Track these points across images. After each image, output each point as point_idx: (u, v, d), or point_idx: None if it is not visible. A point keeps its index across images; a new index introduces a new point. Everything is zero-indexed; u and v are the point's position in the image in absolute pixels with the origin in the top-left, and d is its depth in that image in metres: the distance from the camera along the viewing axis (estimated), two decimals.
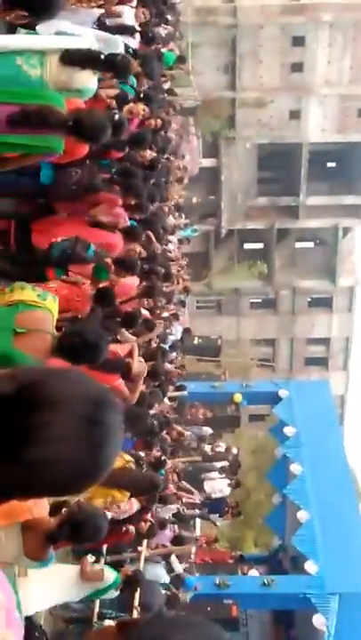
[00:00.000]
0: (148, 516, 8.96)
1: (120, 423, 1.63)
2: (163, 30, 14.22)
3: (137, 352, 7.91)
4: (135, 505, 7.50)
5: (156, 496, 8.67)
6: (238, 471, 17.15)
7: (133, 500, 7.40)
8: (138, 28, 8.84)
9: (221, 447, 17.01)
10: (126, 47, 7.37)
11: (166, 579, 10.68)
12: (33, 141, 4.76)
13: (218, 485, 15.72)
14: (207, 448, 16.61)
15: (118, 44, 6.74)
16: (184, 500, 13.82)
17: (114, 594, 7.17)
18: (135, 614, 8.42)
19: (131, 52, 7.64)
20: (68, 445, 1.52)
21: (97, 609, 8.32)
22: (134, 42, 8.36)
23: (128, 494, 7.11)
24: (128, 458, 7.21)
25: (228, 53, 34.41)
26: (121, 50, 6.78)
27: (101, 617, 8.62)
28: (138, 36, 8.66)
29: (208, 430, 17.16)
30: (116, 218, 7.24)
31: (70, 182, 6.19)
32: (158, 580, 10.15)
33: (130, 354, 7.82)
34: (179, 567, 11.64)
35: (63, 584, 6.22)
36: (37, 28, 4.99)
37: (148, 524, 8.91)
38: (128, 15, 8.62)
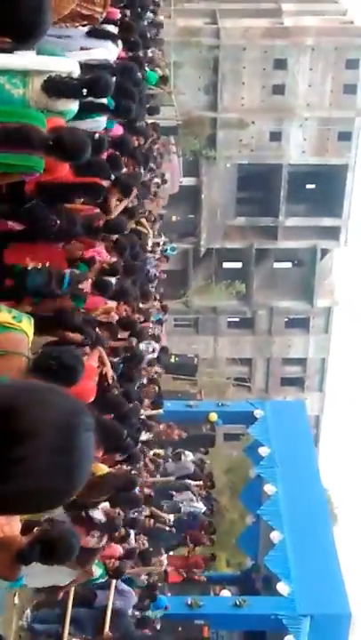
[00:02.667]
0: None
1: (91, 440, 1.65)
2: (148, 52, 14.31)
3: (105, 356, 7.89)
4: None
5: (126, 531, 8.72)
6: (211, 491, 17.09)
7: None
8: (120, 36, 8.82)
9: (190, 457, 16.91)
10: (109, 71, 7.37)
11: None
12: (13, 160, 4.76)
13: (187, 496, 15.68)
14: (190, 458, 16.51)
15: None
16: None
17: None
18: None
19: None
20: (44, 477, 1.55)
21: (67, 630, 8.27)
22: (116, 50, 8.31)
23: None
24: (105, 469, 7.19)
25: (210, 74, 34.72)
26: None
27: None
28: (120, 43, 8.64)
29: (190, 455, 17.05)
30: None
31: (49, 233, 6.21)
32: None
33: (100, 360, 7.82)
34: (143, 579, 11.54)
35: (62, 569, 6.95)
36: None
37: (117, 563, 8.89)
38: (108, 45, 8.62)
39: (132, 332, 9.88)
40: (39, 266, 6.23)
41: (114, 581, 9.23)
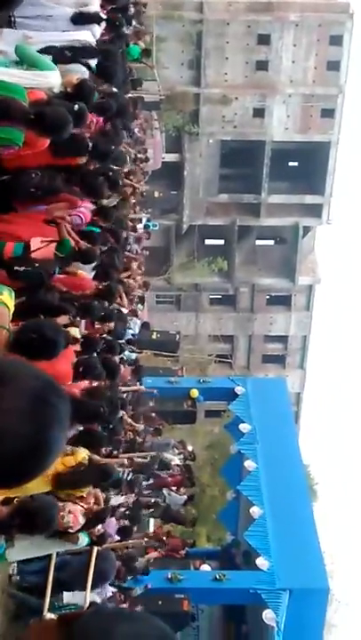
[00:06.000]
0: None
1: (67, 412, 1.66)
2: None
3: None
4: (80, 518, 7.48)
5: (108, 509, 8.71)
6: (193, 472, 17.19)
7: (79, 513, 7.37)
8: (104, 16, 8.74)
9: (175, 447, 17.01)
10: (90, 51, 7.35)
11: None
12: None
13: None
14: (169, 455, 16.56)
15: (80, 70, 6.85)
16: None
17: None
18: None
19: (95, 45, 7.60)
20: (17, 418, 1.56)
21: (47, 604, 8.29)
22: (99, 30, 8.25)
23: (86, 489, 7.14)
24: (84, 454, 7.18)
25: (193, 49, 34.43)
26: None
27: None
28: (103, 24, 8.56)
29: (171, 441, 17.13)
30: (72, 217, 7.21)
31: (30, 185, 6.10)
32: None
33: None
34: None
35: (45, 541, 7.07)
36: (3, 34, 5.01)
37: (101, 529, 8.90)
38: (95, 5, 8.54)
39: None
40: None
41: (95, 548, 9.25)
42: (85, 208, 7.84)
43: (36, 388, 1.61)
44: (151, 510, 15.27)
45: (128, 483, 12.34)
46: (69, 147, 6.11)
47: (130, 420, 14.48)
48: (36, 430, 1.59)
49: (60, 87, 5.69)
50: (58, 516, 5.33)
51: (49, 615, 6.45)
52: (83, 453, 7.06)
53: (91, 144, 6.80)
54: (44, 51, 6.18)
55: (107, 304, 9.46)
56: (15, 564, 9.07)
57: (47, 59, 5.75)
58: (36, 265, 6.17)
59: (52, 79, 5.36)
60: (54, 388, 1.65)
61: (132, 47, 15.36)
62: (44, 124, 4.86)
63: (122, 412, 12.06)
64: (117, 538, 11.26)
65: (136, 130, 18.95)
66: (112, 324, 10.20)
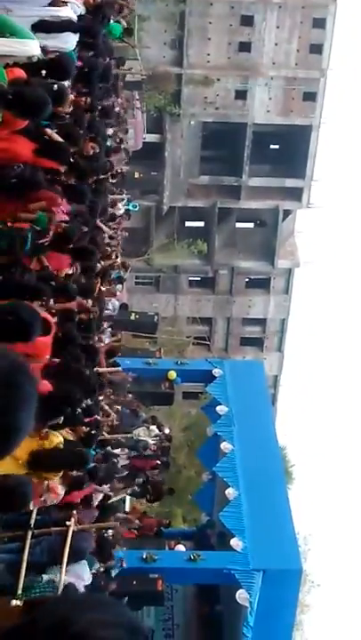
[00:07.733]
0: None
1: (34, 391, 1.68)
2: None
3: None
4: (60, 489, 7.47)
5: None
6: (170, 450, 17.25)
7: (58, 485, 7.38)
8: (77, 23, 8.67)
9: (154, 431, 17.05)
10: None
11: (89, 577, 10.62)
12: None
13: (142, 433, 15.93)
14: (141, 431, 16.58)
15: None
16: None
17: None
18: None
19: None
20: None
21: (22, 582, 8.31)
22: (75, 37, 8.17)
23: (60, 474, 7.14)
24: (60, 439, 7.18)
25: (175, 28, 34.18)
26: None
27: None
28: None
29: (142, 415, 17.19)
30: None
31: (11, 175, 6.03)
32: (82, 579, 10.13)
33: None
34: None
35: None
36: None
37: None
38: (73, 6, 8.46)
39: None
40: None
41: (72, 524, 9.26)
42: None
43: (2, 369, 1.62)
44: (130, 489, 15.34)
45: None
46: (54, 151, 6.09)
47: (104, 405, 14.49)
48: (2, 411, 1.60)
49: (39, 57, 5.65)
50: (31, 494, 5.34)
51: (14, 602, 6.46)
52: (59, 437, 7.06)
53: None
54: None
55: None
56: None
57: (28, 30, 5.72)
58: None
59: (31, 48, 5.32)
60: (21, 369, 1.66)
61: (113, 25, 15.20)
62: (23, 104, 4.82)
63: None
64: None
65: (117, 109, 18.82)
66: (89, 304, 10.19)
